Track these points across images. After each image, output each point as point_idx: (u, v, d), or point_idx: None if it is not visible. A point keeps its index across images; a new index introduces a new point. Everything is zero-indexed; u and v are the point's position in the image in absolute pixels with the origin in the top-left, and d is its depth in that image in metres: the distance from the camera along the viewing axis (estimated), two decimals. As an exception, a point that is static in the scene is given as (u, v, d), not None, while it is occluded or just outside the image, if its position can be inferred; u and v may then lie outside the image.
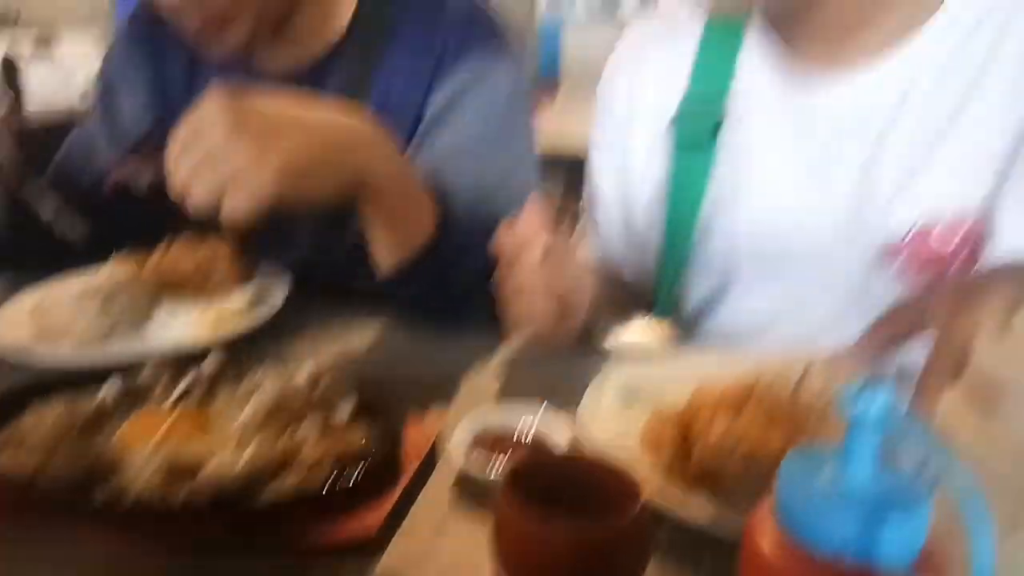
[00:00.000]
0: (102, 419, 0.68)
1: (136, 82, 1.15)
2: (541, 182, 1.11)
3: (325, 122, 0.74)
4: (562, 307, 0.72)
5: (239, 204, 0.66)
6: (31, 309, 0.90)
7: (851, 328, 0.80)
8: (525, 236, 0.70)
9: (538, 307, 0.71)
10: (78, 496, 0.57)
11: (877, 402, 0.34)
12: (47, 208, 0.97)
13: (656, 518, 0.51)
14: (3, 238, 1.01)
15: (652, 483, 0.56)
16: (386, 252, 0.84)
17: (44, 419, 0.65)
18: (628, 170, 1.00)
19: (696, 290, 0.95)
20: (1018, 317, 0.40)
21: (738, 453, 0.53)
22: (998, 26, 0.77)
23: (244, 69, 1.09)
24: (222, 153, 0.66)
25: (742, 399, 0.59)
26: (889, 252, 0.81)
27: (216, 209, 0.67)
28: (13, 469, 0.59)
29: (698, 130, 0.91)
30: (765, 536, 0.36)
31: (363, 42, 1.05)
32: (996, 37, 0.77)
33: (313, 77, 1.05)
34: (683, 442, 0.57)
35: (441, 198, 0.86)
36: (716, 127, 0.90)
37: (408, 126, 1.02)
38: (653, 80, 0.97)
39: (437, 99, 1.02)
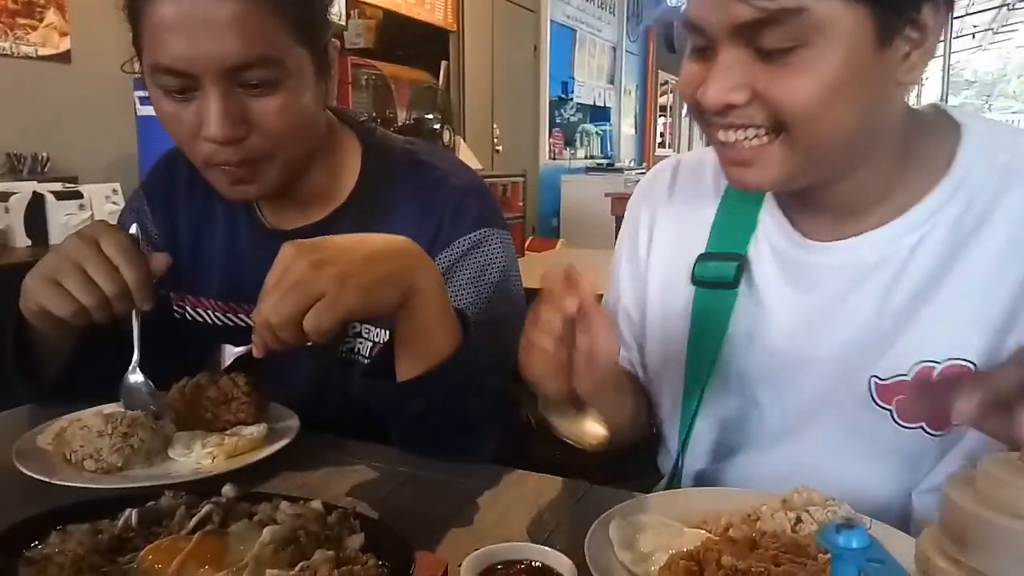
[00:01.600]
0: (123, 543, 0.70)
1: (145, 240, 1.21)
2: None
3: (383, 242, 0.89)
4: (584, 360, 0.78)
5: (325, 318, 0.81)
6: (53, 437, 0.94)
7: (850, 456, 0.88)
8: (551, 291, 0.78)
9: (551, 357, 0.78)
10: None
11: (855, 538, 0.38)
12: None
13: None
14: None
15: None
16: (413, 361, 0.93)
17: (68, 542, 0.68)
18: (645, 290, 1.06)
19: (715, 409, 0.99)
20: (984, 462, 0.45)
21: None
22: (992, 196, 0.84)
23: (251, 231, 1.18)
24: (309, 280, 0.81)
25: (748, 535, 0.62)
26: (888, 392, 0.87)
27: (295, 333, 0.82)
28: (37, 592, 0.61)
29: (722, 270, 0.97)
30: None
31: (364, 210, 1.13)
32: (990, 205, 0.84)
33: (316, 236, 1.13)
34: (698, 574, 0.60)
35: (463, 319, 0.96)
36: (739, 269, 0.95)
37: None
38: (677, 215, 1.05)
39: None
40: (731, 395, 0.98)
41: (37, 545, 0.68)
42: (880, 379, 0.86)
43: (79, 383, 1.05)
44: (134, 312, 0.97)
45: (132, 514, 0.73)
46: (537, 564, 0.70)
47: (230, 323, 1.19)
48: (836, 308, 0.90)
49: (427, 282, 0.90)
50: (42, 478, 0.85)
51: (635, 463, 1.16)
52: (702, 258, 0.99)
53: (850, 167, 0.85)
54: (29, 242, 2.70)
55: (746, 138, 0.80)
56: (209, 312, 1.21)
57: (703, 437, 1.00)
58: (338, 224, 1.11)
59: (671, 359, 1.02)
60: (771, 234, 0.96)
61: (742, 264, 0.96)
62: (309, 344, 0.84)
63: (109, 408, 0.98)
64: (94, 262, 0.92)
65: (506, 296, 1.13)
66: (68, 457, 0.91)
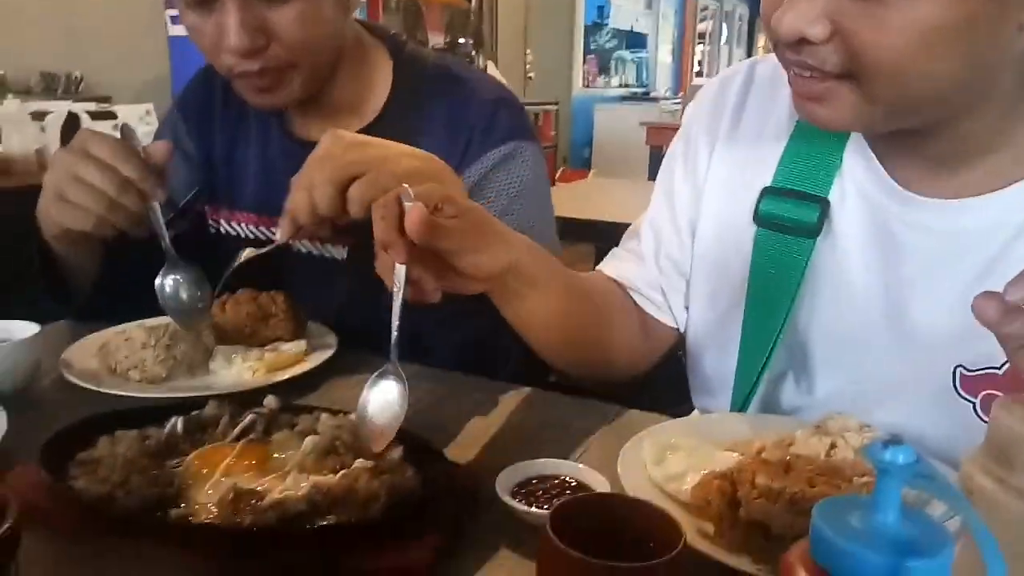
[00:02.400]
0: (170, 449, 0.72)
1: (182, 157, 1.25)
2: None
3: (414, 150, 0.89)
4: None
5: (367, 190, 0.80)
6: (98, 349, 0.96)
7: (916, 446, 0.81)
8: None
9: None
10: (149, 518, 0.62)
11: (901, 454, 0.38)
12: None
13: (696, 561, 0.55)
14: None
15: (692, 529, 0.59)
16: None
17: (117, 446, 0.70)
18: (698, 218, 0.96)
19: (773, 366, 0.90)
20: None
21: (783, 500, 0.56)
22: None
23: (283, 142, 1.18)
24: (351, 155, 0.83)
25: (782, 457, 0.62)
26: (974, 383, 0.78)
27: (332, 201, 0.81)
28: (90, 492, 0.64)
29: (801, 213, 0.86)
30: (800, 572, 0.40)
31: (396, 122, 1.12)
32: None
33: None
34: (731, 493, 0.60)
35: None
36: (820, 217, 0.85)
37: None
38: (744, 135, 0.93)
39: (465, 181, 1.09)
40: (790, 357, 0.90)
41: (87, 450, 0.71)
42: (967, 370, 0.77)
43: (114, 300, 1.06)
44: (150, 208, 0.96)
45: (178, 422, 0.76)
46: (571, 480, 0.71)
47: (263, 236, 1.21)
48: (929, 277, 0.80)
49: (456, 190, 0.88)
50: (89, 386, 0.88)
51: (669, 391, 1.16)
52: (770, 193, 0.88)
53: (948, 118, 0.75)
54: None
55: (812, 76, 0.71)
56: (243, 225, 1.23)
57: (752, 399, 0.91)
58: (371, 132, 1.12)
59: (722, 308, 0.94)
60: (859, 178, 0.84)
61: (824, 209, 0.85)
62: (337, 230, 0.85)
63: (152, 322, 1.00)
64: (87, 168, 0.91)
65: (538, 208, 1.13)
66: (113, 368, 0.93)
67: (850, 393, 0.86)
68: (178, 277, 0.97)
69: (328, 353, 0.98)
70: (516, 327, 0.90)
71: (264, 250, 0.93)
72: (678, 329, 1.01)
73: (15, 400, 0.84)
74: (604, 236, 1.08)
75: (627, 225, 1.07)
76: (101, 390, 0.87)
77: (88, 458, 0.69)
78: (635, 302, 1.01)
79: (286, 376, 0.93)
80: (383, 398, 0.75)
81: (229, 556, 0.59)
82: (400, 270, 0.73)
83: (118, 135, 0.95)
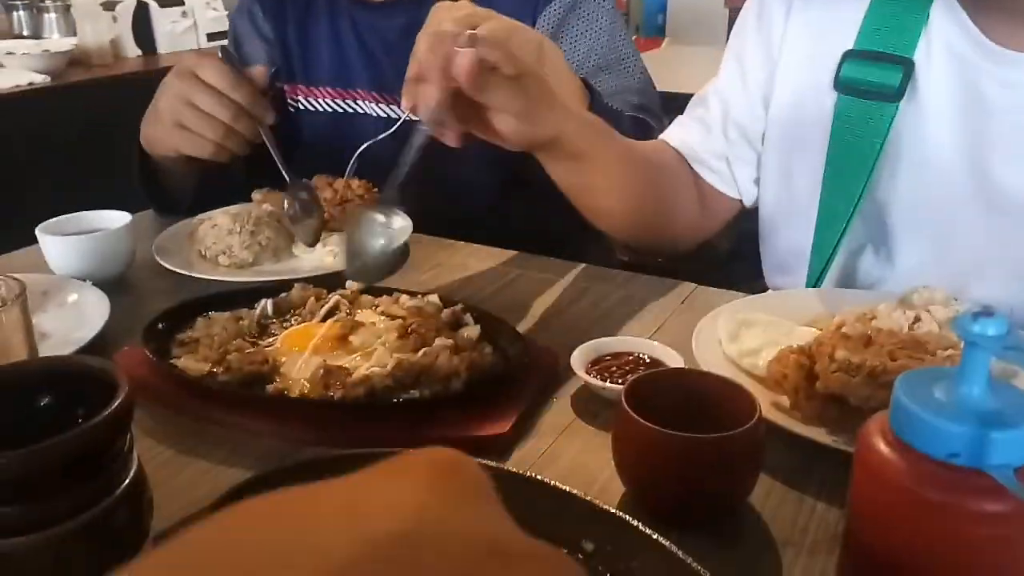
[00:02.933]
0: (262, 329, 0.76)
1: (259, 38, 1.28)
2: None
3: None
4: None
5: (497, 27, 0.75)
6: (188, 236, 1.00)
7: (996, 288, 0.77)
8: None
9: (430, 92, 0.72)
10: (247, 393, 0.66)
11: (992, 325, 0.37)
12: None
13: (770, 434, 0.55)
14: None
15: (766, 403, 0.60)
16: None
17: (213, 327, 0.74)
18: (773, 86, 0.92)
19: (851, 238, 0.88)
20: None
21: (863, 373, 0.56)
22: None
23: (349, 9, 1.20)
24: (468, 9, 0.79)
25: (863, 332, 0.61)
26: None
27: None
28: (192, 370, 0.68)
29: (883, 76, 0.82)
30: (879, 442, 0.40)
31: None
32: None
33: (413, 7, 1.12)
34: (808, 367, 0.60)
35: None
36: (904, 79, 0.81)
37: None
38: (820, 2, 0.88)
39: (543, 26, 1.11)
40: (869, 228, 0.87)
41: (185, 331, 0.75)
42: None
43: (210, 202, 1.10)
44: (261, 130, 0.99)
45: (267, 304, 0.79)
46: (646, 357, 0.72)
47: (341, 109, 1.24)
48: (1020, 140, 0.76)
49: (554, 58, 0.90)
50: (182, 271, 0.92)
51: (744, 270, 1.14)
52: (851, 56, 0.85)
53: None
54: (139, 51, 2.75)
55: None
56: (322, 100, 1.26)
57: (828, 272, 0.89)
58: None
59: (798, 178, 0.91)
60: (948, 34, 0.80)
61: (908, 71, 0.81)
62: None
63: (235, 208, 1.03)
64: (202, 96, 0.94)
65: (619, 44, 1.14)
66: (203, 253, 0.97)
67: (933, 265, 0.83)
68: (298, 195, 1.00)
69: (405, 237, 1.00)
70: (566, 191, 0.88)
71: (390, 131, 0.93)
72: (741, 201, 0.99)
73: (114, 286, 0.89)
74: (682, 109, 1.04)
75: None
76: (193, 275, 0.91)
77: (187, 339, 0.74)
78: (697, 172, 0.98)
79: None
80: (375, 228, 0.76)
81: (321, 428, 0.63)
82: (428, 106, 0.71)
83: (197, 35, 0.97)
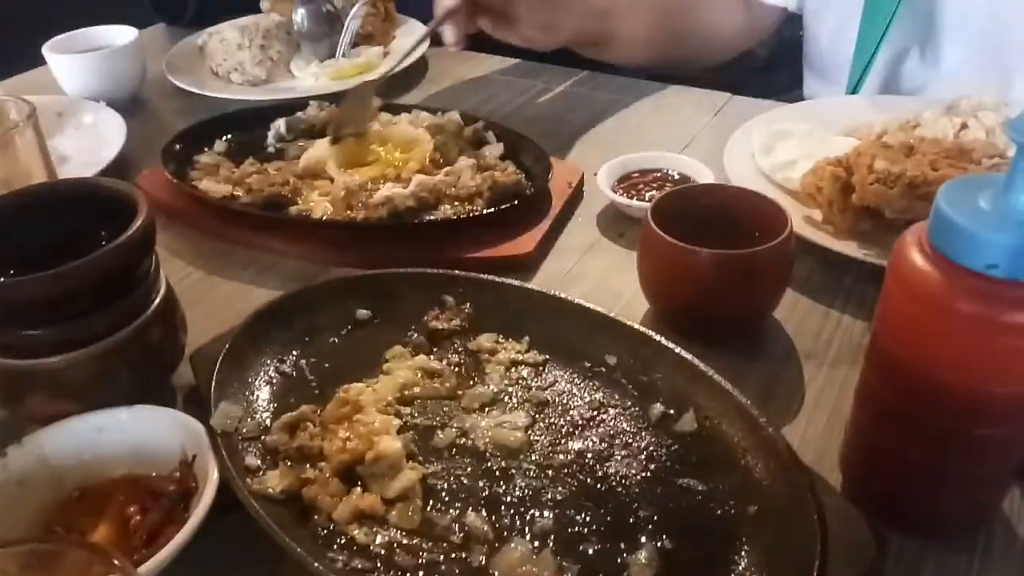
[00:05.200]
0: (279, 150, 0.75)
1: None
2: None
3: None
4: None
5: None
6: (198, 52, 0.96)
7: None
8: None
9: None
10: (271, 215, 0.66)
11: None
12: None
13: (799, 248, 0.54)
14: None
15: (797, 217, 0.58)
16: None
17: (231, 148, 0.73)
18: None
19: (895, 37, 0.84)
20: None
21: (902, 183, 0.54)
22: None
23: None
24: None
25: (905, 141, 0.58)
26: None
27: None
28: (215, 191, 0.67)
29: None
30: (915, 254, 0.38)
31: None
32: None
33: None
34: (845, 179, 0.58)
35: None
36: None
37: None
38: None
39: None
40: (915, 26, 0.82)
41: (205, 152, 0.74)
42: None
43: (216, 7, 1.05)
44: None
45: (281, 123, 0.77)
46: (674, 173, 0.70)
47: None
48: None
49: None
50: (195, 90, 0.89)
51: (782, 77, 1.08)
52: None
53: None
54: None
55: None
56: None
57: (870, 76, 0.85)
58: None
59: None
60: None
61: None
62: None
63: (243, 21, 0.98)
64: None
65: None
66: (214, 71, 0.94)
67: (982, 65, 0.79)
68: (312, 8, 0.95)
69: (419, 53, 0.95)
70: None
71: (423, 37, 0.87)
72: (785, 8, 0.94)
73: (128, 106, 0.87)
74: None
75: None
76: (206, 93, 0.88)
77: (207, 160, 0.73)
78: None
79: (383, 74, 0.91)
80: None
81: (345, 248, 0.63)
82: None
83: None
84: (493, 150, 0.73)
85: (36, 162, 0.62)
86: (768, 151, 0.69)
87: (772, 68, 1.06)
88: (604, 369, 0.49)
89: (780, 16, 0.95)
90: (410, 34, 0.99)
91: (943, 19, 0.80)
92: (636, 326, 0.49)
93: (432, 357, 0.51)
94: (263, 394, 0.47)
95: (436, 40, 0.93)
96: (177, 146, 0.73)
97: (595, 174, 0.69)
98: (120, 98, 0.87)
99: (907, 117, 0.67)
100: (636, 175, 0.70)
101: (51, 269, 0.42)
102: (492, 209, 0.64)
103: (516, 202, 0.65)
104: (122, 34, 0.90)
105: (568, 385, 0.49)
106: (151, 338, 0.48)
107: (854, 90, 0.84)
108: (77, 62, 0.87)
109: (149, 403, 0.45)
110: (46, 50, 0.88)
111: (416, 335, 0.52)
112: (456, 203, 0.65)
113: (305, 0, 0.95)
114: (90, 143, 0.79)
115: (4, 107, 0.63)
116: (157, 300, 0.48)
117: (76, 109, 0.84)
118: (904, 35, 0.82)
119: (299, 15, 0.95)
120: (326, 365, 0.50)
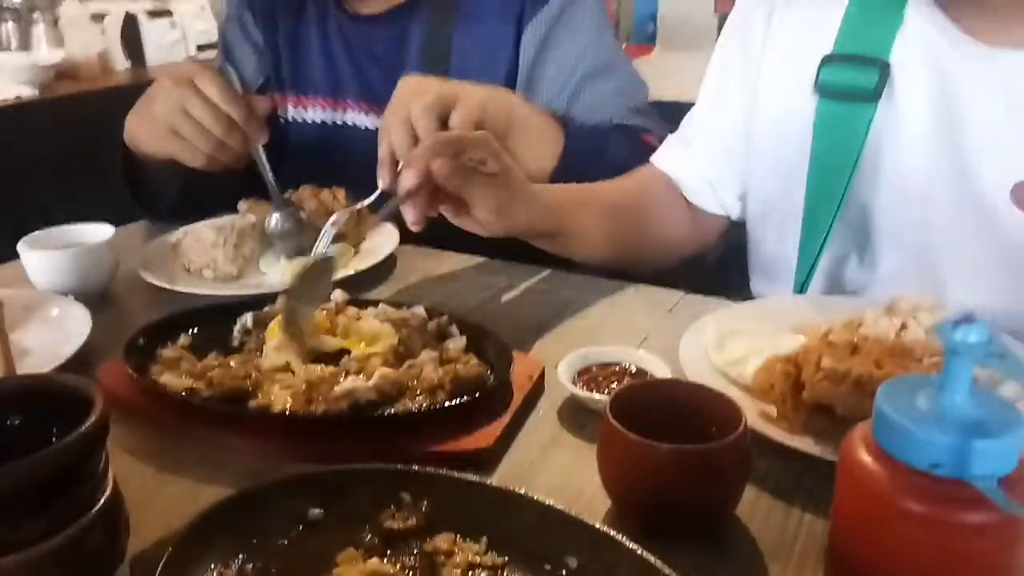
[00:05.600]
0: (243, 344, 0.75)
1: (250, 47, 1.29)
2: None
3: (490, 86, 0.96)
4: None
5: (471, 114, 0.88)
6: (171, 249, 0.99)
7: (980, 291, 0.77)
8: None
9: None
10: (229, 408, 0.65)
11: (973, 332, 0.37)
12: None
13: (757, 443, 0.55)
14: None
15: (753, 412, 0.59)
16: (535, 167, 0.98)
17: (195, 342, 0.74)
18: (756, 99, 0.93)
19: (835, 243, 0.88)
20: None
21: (849, 381, 0.55)
22: None
23: (339, 17, 1.22)
24: (441, 89, 0.88)
25: (850, 339, 0.61)
26: None
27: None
28: (173, 386, 0.67)
29: (859, 78, 0.83)
30: (862, 452, 0.39)
31: None
32: None
33: (401, 20, 1.17)
34: (795, 376, 0.60)
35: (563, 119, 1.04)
36: (880, 81, 0.81)
37: (502, 62, 1.13)
38: (801, 3, 0.90)
39: (529, 38, 1.12)
40: (852, 233, 0.87)
41: (168, 346, 0.75)
42: None
43: (195, 204, 1.10)
44: (254, 148, 1.00)
45: (248, 318, 0.78)
46: (632, 367, 0.72)
47: (331, 120, 1.25)
48: (996, 138, 0.76)
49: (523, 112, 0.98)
50: (165, 285, 0.91)
51: (729, 278, 1.14)
52: (830, 61, 0.85)
53: None
54: (128, 63, 2.74)
55: None
56: (312, 110, 1.26)
57: (814, 278, 0.89)
58: (423, 3, 1.16)
59: (784, 185, 0.91)
60: (923, 33, 0.80)
61: (884, 71, 0.81)
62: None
63: (219, 221, 1.02)
64: (197, 106, 0.94)
65: (607, 49, 1.16)
66: (187, 267, 0.96)
67: (915, 270, 0.83)
68: (286, 213, 1.01)
69: (392, 246, 0.99)
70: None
71: (367, 202, 0.93)
72: (728, 217, 1.01)
73: (98, 301, 0.88)
74: (674, 116, 1.06)
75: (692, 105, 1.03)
76: (177, 289, 0.90)
77: (169, 354, 0.73)
78: (684, 195, 1.01)
79: (352, 269, 0.94)
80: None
81: (304, 443, 0.62)
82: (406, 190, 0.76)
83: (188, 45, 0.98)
84: (456, 343, 0.75)
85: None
86: (720, 348, 0.71)
87: (723, 268, 1.12)
88: (564, 572, 0.48)
89: (726, 224, 1.02)
90: (381, 234, 1.04)
91: (877, 229, 0.86)
92: (597, 526, 0.49)
93: (386, 560, 0.49)
94: (204, 603, 0.44)
95: (405, 237, 0.99)
96: (141, 340, 0.74)
97: (556, 367, 0.70)
98: (90, 292, 0.89)
99: (851, 317, 0.70)
100: (596, 368, 0.71)
101: (-8, 468, 0.41)
102: (454, 402, 0.65)
103: (477, 395, 0.66)
104: (98, 232, 0.93)
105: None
106: (90, 543, 0.46)
107: (800, 290, 0.89)
108: (48, 258, 0.89)
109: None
110: (20, 245, 0.90)
111: (370, 536, 0.50)
112: (418, 395, 0.66)
113: (279, 206, 1.01)
114: (53, 337, 0.79)
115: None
116: (101, 501, 0.46)
117: (43, 303, 0.85)
118: (843, 242, 0.88)
119: (273, 219, 1.00)
120: (273, 570, 0.48)
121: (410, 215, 0.77)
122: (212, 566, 0.47)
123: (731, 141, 0.97)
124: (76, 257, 0.89)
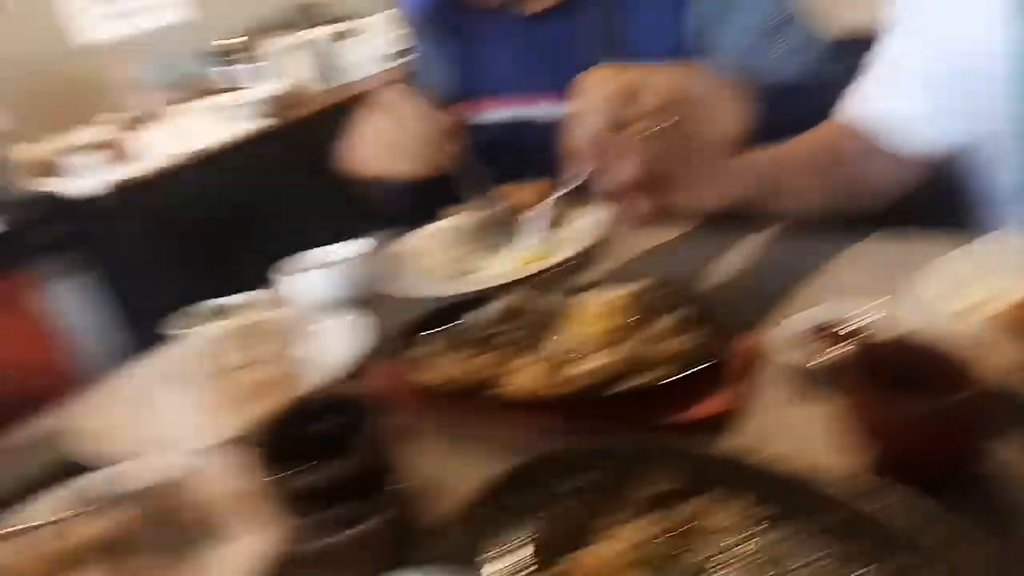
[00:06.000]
0: (487, 337, 0.84)
1: (435, 56, 1.38)
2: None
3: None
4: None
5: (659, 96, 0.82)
6: (407, 254, 1.11)
7: None
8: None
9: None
10: (480, 397, 0.74)
11: None
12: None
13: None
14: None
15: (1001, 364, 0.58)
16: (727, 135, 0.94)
17: (448, 342, 0.83)
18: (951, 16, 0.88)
19: None
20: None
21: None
22: None
23: (514, 16, 1.27)
24: (627, 75, 0.83)
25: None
26: None
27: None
28: (432, 382, 0.77)
29: None
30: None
31: None
32: None
33: (571, 11, 1.21)
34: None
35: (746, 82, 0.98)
36: None
37: (673, 36, 1.14)
38: None
39: (698, 5, 1.13)
40: None
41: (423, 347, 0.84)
42: None
43: (411, 213, 1.22)
44: (454, 153, 1.10)
45: (485, 310, 0.86)
46: (857, 325, 0.72)
47: (522, 119, 1.30)
48: None
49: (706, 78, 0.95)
50: (407, 294, 1.01)
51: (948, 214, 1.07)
52: None
53: None
54: (330, 84, 3.01)
55: None
56: (503, 108, 1.32)
57: None
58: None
59: (996, 109, 0.86)
60: None
61: None
62: None
63: (446, 222, 1.14)
64: (398, 126, 1.07)
65: (778, 5, 1.14)
66: (420, 270, 1.07)
67: None
68: (496, 210, 1.11)
69: (596, 233, 1.04)
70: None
71: (567, 188, 0.99)
72: (942, 153, 0.96)
73: (351, 311, 1.01)
74: (852, 55, 1.03)
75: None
76: (415, 295, 1.00)
77: (426, 353, 0.83)
78: (887, 138, 0.97)
79: (575, 252, 1.01)
80: None
81: (546, 421, 0.69)
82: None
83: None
84: (681, 314, 0.78)
85: (283, 372, 0.75)
86: (953, 293, 0.69)
87: (935, 208, 1.06)
88: (836, 520, 0.51)
89: (938, 158, 0.97)
90: (588, 217, 1.10)
91: None
92: (861, 479, 0.51)
93: (648, 521, 0.54)
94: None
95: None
96: (402, 343, 0.84)
97: (783, 329, 0.72)
98: (349, 305, 1.02)
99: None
100: (820, 328, 0.73)
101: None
102: (689, 371, 0.69)
103: (709, 363, 0.69)
104: (355, 248, 1.08)
105: (796, 547, 0.51)
106: (400, 520, 0.56)
107: None
108: (312, 277, 1.04)
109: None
110: (281, 272, 1.06)
111: (630, 503, 0.56)
112: (655, 367, 0.71)
113: (488, 204, 1.12)
114: (327, 349, 0.91)
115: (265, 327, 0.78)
116: (402, 486, 0.56)
117: (315, 319, 0.98)
118: None
119: (487, 216, 1.11)
120: (555, 533, 0.55)
121: (630, 212, 0.80)
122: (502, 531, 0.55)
123: (931, 70, 0.91)
124: (339, 272, 1.03)
